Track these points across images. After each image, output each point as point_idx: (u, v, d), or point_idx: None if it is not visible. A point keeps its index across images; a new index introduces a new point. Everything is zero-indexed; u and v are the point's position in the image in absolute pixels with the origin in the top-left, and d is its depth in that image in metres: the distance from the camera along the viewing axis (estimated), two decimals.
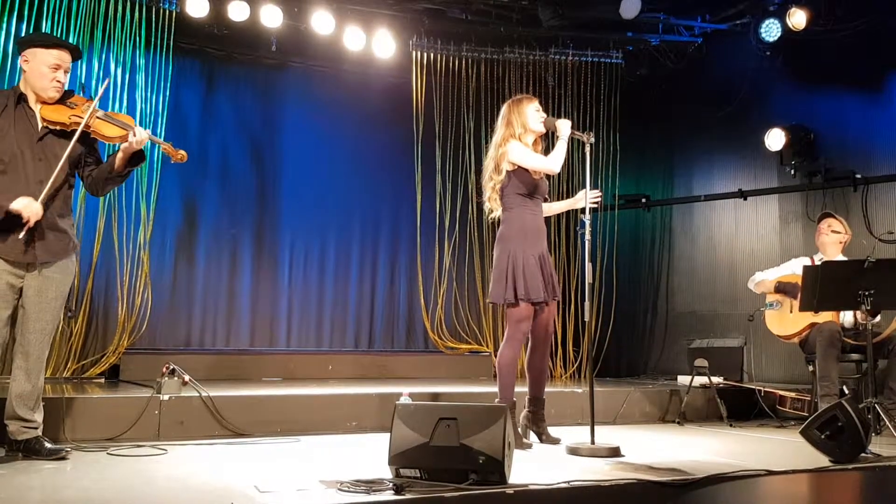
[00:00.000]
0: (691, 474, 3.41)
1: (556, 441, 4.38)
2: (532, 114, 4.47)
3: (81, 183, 3.87)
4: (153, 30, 6.48)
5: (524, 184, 4.38)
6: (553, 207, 4.89)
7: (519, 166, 4.37)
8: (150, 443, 4.14)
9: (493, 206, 4.52)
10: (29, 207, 3.48)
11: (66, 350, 6.07)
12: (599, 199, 4.58)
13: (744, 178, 7.66)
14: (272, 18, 6.75)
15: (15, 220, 3.51)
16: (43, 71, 3.64)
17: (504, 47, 7.72)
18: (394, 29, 7.29)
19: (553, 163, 4.39)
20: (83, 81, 6.16)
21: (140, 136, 3.68)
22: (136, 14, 6.40)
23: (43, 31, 5.93)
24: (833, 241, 5.49)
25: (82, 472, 3.36)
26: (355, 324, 7.68)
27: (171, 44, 6.56)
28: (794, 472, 3.64)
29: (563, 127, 4.43)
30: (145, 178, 6.43)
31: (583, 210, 4.40)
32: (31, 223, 3.50)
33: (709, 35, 7.72)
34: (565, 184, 7.84)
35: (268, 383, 6.14)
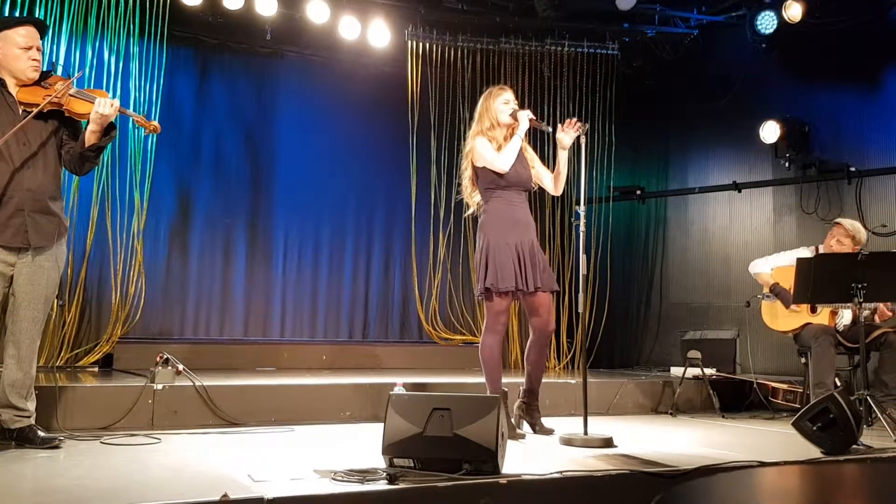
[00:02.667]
0: (684, 465, 3.42)
1: (549, 431, 4.39)
2: (500, 107, 4.43)
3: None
4: (147, 18, 6.44)
5: (494, 178, 4.37)
6: (560, 173, 4.56)
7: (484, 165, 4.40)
8: (143, 432, 4.13)
9: (468, 202, 4.58)
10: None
11: (60, 339, 6.06)
12: (580, 127, 4.37)
13: (738, 170, 7.67)
14: (267, 7, 6.72)
15: (4, 204, 3.51)
16: (16, 53, 3.60)
17: (500, 38, 7.70)
18: (389, 18, 7.27)
19: (500, 161, 4.33)
20: (55, 60, 6.08)
21: (106, 103, 3.59)
22: (130, 2, 6.36)
23: (16, 16, 5.86)
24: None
25: (76, 461, 3.36)
26: (349, 314, 7.68)
27: (165, 32, 6.51)
28: (785, 463, 3.65)
29: (522, 122, 4.39)
30: (139, 167, 6.40)
31: (577, 201, 4.37)
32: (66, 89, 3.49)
33: (704, 27, 7.72)
34: None
35: (262, 373, 6.14)
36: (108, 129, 3.69)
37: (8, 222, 3.53)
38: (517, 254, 4.29)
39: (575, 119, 4.43)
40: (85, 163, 3.74)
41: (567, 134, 4.41)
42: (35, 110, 3.57)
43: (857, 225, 5.47)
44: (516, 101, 4.53)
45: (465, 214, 4.77)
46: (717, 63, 7.75)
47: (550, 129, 4.50)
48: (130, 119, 3.81)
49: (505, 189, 4.38)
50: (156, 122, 3.82)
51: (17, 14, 5.93)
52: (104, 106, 3.59)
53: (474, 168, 4.45)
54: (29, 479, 3.06)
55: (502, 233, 4.31)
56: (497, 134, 4.42)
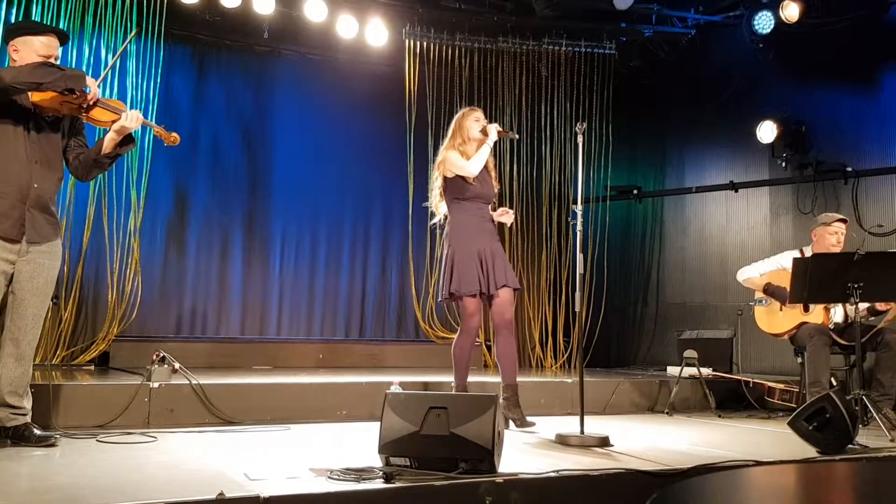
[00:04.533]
0: (680, 465, 3.43)
1: (531, 425, 4.50)
2: (472, 124, 4.74)
3: (67, 167, 3.83)
4: (144, 16, 6.43)
5: (462, 189, 4.66)
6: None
7: (456, 173, 4.69)
8: (139, 430, 4.13)
9: (435, 211, 4.89)
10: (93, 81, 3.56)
11: (56, 337, 6.05)
12: (509, 217, 4.82)
13: (735, 170, 7.68)
14: (264, 5, 6.72)
15: (7, 195, 3.54)
16: (34, 59, 3.62)
17: (497, 37, 7.70)
18: (387, 17, 7.27)
19: (470, 166, 4.63)
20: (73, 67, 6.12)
21: (134, 116, 3.68)
22: (128, 0, 6.36)
23: (33, 16, 5.89)
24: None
25: (72, 459, 3.35)
26: (346, 312, 7.68)
27: (162, 30, 6.51)
28: (781, 462, 3.66)
29: (490, 134, 4.71)
30: (136, 166, 6.40)
31: (574, 201, 4.47)
32: (93, 98, 3.57)
33: (702, 27, 7.73)
34: (558, 174, 7.85)
35: (258, 371, 6.14)
36: (126, 140, 3.75)
37: (7, 213, 3.55)
38: (480, 260, 4.59)
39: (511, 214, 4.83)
40: (94, 169, 3.82)
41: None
42: (71, 111, 3.65)
43: (838, 214, 5.48)
44: (486, 120, 4.83)
45: (431, 223, 5.03)
46: (715, 63, 7.75)
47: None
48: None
49: (471, 200, 4.69)
50: (175, 134, 3.85)
51: (14, 11, 5.93)
52: (131, 120, 3.69)
53: (445, 179, 4.72)
54: (25, 477, 3.05)
55: (467, 241, 4.62)
56: (468, 149, 4.72)
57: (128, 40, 3.91)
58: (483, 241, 4.63)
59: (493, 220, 4.76)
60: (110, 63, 3.81)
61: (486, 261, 4.59)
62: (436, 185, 4.81)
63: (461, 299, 4.57)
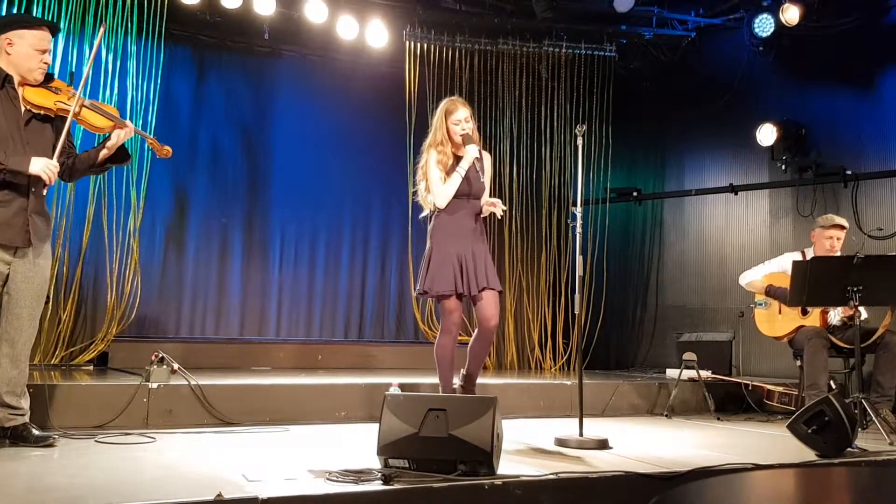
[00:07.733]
0: (678, 467, 3.43)
1: None
2: (452, 127, 4.50)
3: None
4: (145, 16, 6.44)
5: None
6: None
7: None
8: (138, 431, 4.13)
9: (424, 205, 4.70)
10: (47, 168, 3.50)
11: (55, 337, 6.05)
12: (498, 209, 4.46)
13: (735, 172, 7.68)
14: (265, 6, 6.72)
15: (9, 202, 3.53)
16: (30, 53, 3.61)
17: (498, 39, 7.70)
18: (387, 18, 7.27)
19: (439, 195, 4.47)
20: (73, 69, 6.11)
21: (127, 129, 3.69)
22: (129, 0, 6.36)
23: (34, 16, 5.87)
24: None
25: (70, 460, 3.35)
26: (345, 314, 7.67)
27: (163, 31, 6.51)
28: (780, 465, 3.66)
29: (465, 159, 4.45)
30: (136, 166, 6.39)
31: (574, 203, 4.42)
32: (52, 182, 3.52)
33: (702, 29, 7.74)
34: (557, 176, 7.84)
35: (257, 372, 6.13)
36: (123, 156, 3.78)
37: (11, 221, 3.54)
38: (458, 262, 4.41)
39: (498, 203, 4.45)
40: (83, 174, 3.83)
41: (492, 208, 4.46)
42: (69, 122, 3.61)
43: (838, 218, 5.47)
44: (470, 118, 4.54)
45: (422, 216, 4.80)
46: (715, 65, 7.76)
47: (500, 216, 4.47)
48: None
49: (456, 198, 4.48)
50: (168, 147, 3.85)
51: (14, 11, 5.93)
52: (126, 132, 3.70)
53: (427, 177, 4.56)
54: (23, 477, 3.05)
55: (447, 242, 4.45)
56: (447, 149, 4.52)
57: (81, 84, 3.91)
58: (463, 243, 4.44)
59: (479, 218, 4.53)
60: (87, 66, 3.78)
61: (465, 262, 4.41)
62: (420, 184, 4.68)
63: (438, 298, 4.46)
